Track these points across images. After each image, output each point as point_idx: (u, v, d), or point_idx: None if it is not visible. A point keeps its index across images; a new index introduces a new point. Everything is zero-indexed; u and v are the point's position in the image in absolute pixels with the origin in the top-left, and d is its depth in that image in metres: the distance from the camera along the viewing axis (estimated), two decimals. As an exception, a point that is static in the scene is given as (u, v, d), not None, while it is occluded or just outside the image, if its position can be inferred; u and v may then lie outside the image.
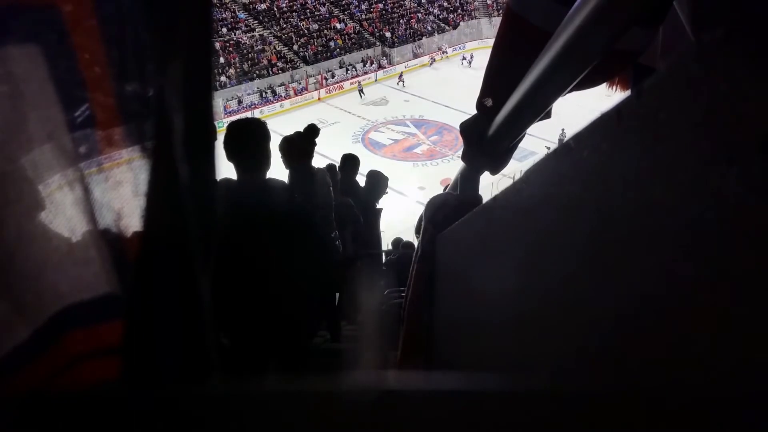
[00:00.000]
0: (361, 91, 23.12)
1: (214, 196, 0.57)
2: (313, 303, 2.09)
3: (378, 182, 4.16)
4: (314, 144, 2.98)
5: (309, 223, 1.90)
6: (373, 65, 25.33)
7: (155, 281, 0.53)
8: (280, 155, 2.85)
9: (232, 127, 1.78)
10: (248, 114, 20.28)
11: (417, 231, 3.86)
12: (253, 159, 1.77)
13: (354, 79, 24.23)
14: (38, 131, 0.49)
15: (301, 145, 2.87)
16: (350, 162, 4.07)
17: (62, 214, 0.51)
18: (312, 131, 2.94)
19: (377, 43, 26.41)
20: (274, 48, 24.49)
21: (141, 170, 0.52)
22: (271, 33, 25.14)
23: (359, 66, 24.96)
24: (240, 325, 1.77)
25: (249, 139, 1.77)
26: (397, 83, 24.35)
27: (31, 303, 0.50)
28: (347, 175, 3.90)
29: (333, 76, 24.04)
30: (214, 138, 0.57)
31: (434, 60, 26.43)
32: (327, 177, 3.05)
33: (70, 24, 0.48)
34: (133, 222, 0.53)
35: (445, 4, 29.79)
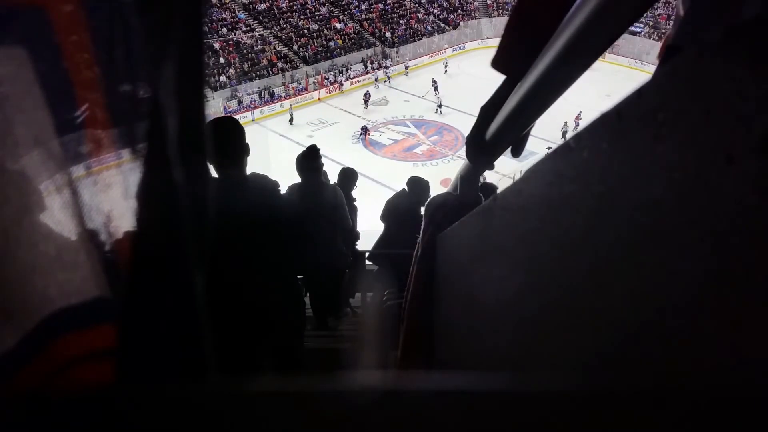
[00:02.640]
0: (291, 116, 21.15)
1: (208, 197, 0.57)
2: (298, 297, 2.11)
3: (350, 177, 4.23)
4: (319, 158, 3.31)
5: (292, 214, 1.91)
6: (374, 65, 25.34)
7: (148, 283, 0.53)
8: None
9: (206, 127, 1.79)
10: (248, 114, 20.29)
11: (382, 218, 3.94)
12: (229, 156, 1.79)
13: (355, 79, 24.20)
14: (25, 135, 0.48)
15: (306, 161, 3.24)
16: (347, 177, 4.18)
17: (50, 218, 0.50)
18: (313, 152, 3.28)
19: (377, 44, 26.41)
20: (274, 48, 24.50)
21: (131, 173, 0.52)
22: (271, 33, 25.15)
23: (359, 66, 24.95)
24: (228, 323, 1.77)
25: (223, 137, 1.79)
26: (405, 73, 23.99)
27: (19, 308, 0.49)
28: (343, 190, 4.00)
29: (335, 77, 23.98)
30: (206, 139, 0.57)
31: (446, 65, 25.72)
32: (338, 190, 3.42)
33: (58, 25, 0.48)
34: (123, 225, 0.52)
35: (445, 4, 29.78)
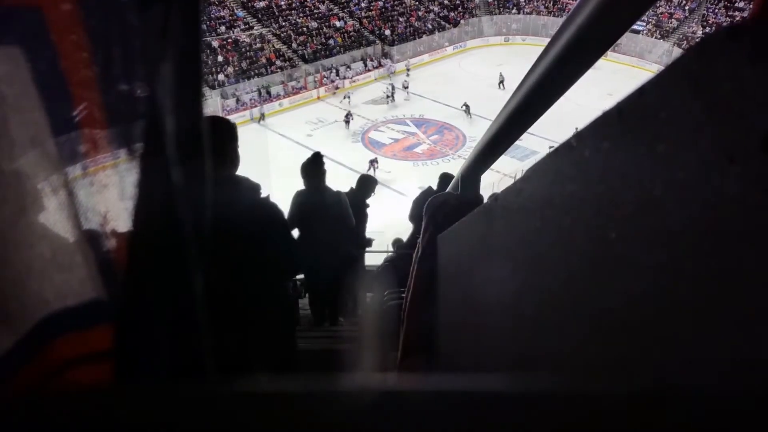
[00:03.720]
0: (262, 115, 20.32)
1: (206, 197, 0.57)
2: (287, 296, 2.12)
3: (368, 184, 4.32)
4: (323, 164, 3.44)
5: (274, 215, 1.91)
6: (373, 62, 25.30)
7: (146, 284, 0.52)
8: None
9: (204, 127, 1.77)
10: (246, 113, 20.24)
11: (411, 218, 3.95)
12: (215, 157, 1.76)
13: (356, 77, 24.13)
14: (21, 135, 0.47)
15: (311, 167, 3.39)
16: (365, 184, 4.32)
17: (46, 219, 0.50)
18: (317, 158, 3.43)
19: (377, 42, 26.39)
20: (273, 46, 24.47)
21: (127, 173, 0.52)
22: (269, 31, 25.11)
23: (358, 65, 24.90)
24: (221, 322, 1.77)
25: (215, 137, 1.77)
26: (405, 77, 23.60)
27: (15, 311, 0.49)
28: (359, 196, 4.09)
29: (338, 73, 23.89)
30: (204, 139, 0.57)
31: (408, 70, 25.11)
32: (342, 194, 3.58)
33: (54, 26, 0.47)
34: (119, 225, 0.52)
35: (446, 1, 29.75)
